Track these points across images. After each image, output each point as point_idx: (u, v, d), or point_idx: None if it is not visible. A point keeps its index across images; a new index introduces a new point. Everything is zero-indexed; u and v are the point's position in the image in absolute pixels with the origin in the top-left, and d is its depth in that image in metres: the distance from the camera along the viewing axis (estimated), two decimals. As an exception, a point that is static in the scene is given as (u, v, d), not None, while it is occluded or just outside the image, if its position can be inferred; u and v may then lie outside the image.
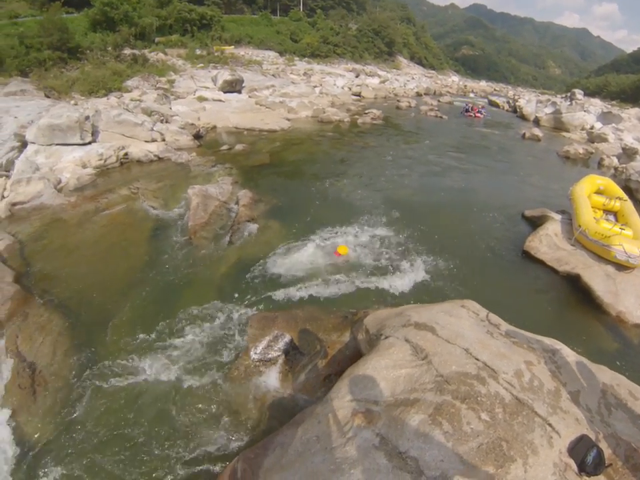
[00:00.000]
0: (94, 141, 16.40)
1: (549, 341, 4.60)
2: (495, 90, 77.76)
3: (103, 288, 8.57)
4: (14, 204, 12.10)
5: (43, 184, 12.97)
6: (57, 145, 15.81)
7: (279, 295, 8.25)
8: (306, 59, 55.23)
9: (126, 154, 15.52)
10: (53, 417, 6.11)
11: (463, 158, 20.09)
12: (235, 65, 37.10)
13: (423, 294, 8.70)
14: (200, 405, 6.03)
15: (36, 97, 21.83)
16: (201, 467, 5.25)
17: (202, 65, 35.02)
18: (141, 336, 7.34)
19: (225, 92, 27.93)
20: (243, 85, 30.27)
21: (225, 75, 29.42)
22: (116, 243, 10.18)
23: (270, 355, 6.35)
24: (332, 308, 7.41)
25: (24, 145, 15.93)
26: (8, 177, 13.96)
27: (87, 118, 16.94)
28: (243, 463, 4.09)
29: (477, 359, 3.95)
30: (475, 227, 12.56)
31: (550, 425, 3.35)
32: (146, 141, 16.76)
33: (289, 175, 16.32)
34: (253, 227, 11.37)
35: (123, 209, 11.67)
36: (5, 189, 13.08)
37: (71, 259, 9.55)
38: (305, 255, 9.96)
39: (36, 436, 5.85)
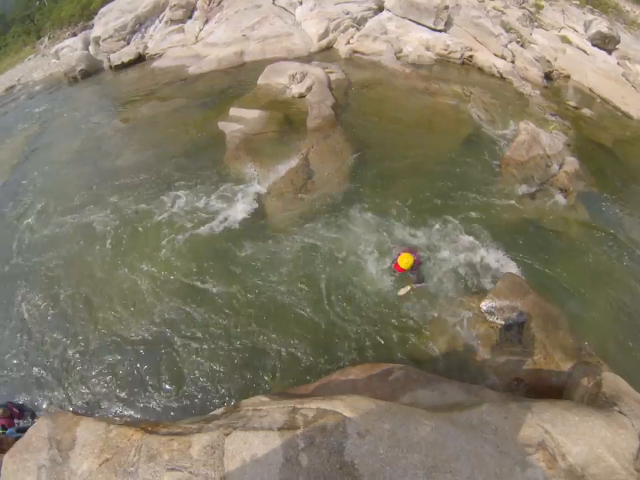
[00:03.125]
0: (444, 31, 15.61)
1: None
2: None
3: (399, 152, 8.61)
4: (355, 51, 12.74)
5: (385, 46, 13.26)
6: (410, 20, 15.73)
7: (547, 279, 6.96)
8: None
9: (471, 56, 14.36)
10: (299, 217, 7.08)
11: None
12: (615, 19, 30.10)
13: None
14: (392, 312, 5.96)
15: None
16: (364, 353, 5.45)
17: (577, 1, 29.42)
18: (412, 214, 7.38)
19: (593, 44, 22.92)
20: (617, 46, 24.28)
21: (601, 24, 23.90)
22: (426, 124, 9.81)
23: (496, 317, 5.92)
24: (578, 330, 6.33)
25: (380, 9, 16.58)
26: (358, 29, 14.76)
27: (446, 8, 16.24)
28: (401, 373, 4.45)
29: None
30: None
31: None
32: (495, 54, 14.95)
33: (626, 183, 12.25)
34: (562, 198, 9.40)
35: (449, 103, 10.89)
36: (351, 37, 13.92)
37: (384, 116, 9.65)
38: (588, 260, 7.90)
39: (281, 226, 6.97)
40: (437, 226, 7.27)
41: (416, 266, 6.25)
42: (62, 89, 20.83)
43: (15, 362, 6.71)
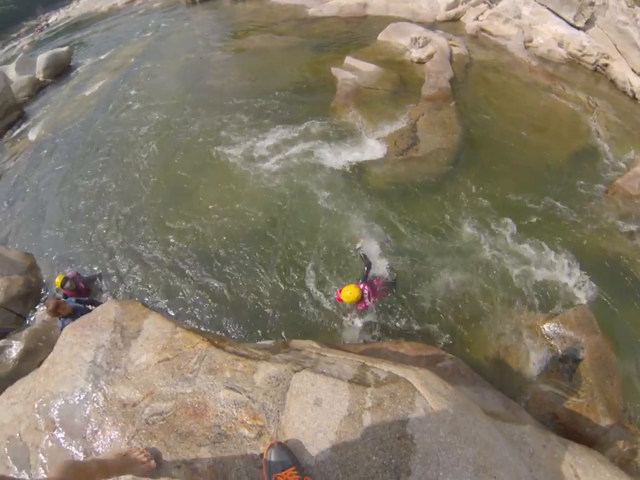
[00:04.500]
0: (584, 29, 14.24)
1: None
2: None
3: (506, 143, 8.24)
4: (482, 29, 12.10)
5: (516, 31, 12.39)
6: (548, 9, 14.45)
7: (619, 327, 6.23)
8: None
9: (606, 65, 13.05)
10: (395, 179, 7.15)
11: None
12: None
13: None
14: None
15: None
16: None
17: None
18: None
19: None
20: None
21: None
22: (539, 124, 9.06)
23: (555, 344, 5.62)
24: (628, 391, 5.72)
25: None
26: (489, 6, 13.84)
27: (592, 4, 14.70)
28: (451, 363, 4.40)
29: None
30: None
31: None
32: (632, 69, 13.45)
33: None
34: (666, 248, 8.66)
35: (570, 110, 10.05)
36: (481, 14, 13.13)
37: (499, 104, 9.22)
38: None
39: (376, 184, 7.08)
40: (521, 234, 6.95)
41: (365, 295, 5.13)
42: (179, 8, 21.66)
43: (84, 237, 7.36)
